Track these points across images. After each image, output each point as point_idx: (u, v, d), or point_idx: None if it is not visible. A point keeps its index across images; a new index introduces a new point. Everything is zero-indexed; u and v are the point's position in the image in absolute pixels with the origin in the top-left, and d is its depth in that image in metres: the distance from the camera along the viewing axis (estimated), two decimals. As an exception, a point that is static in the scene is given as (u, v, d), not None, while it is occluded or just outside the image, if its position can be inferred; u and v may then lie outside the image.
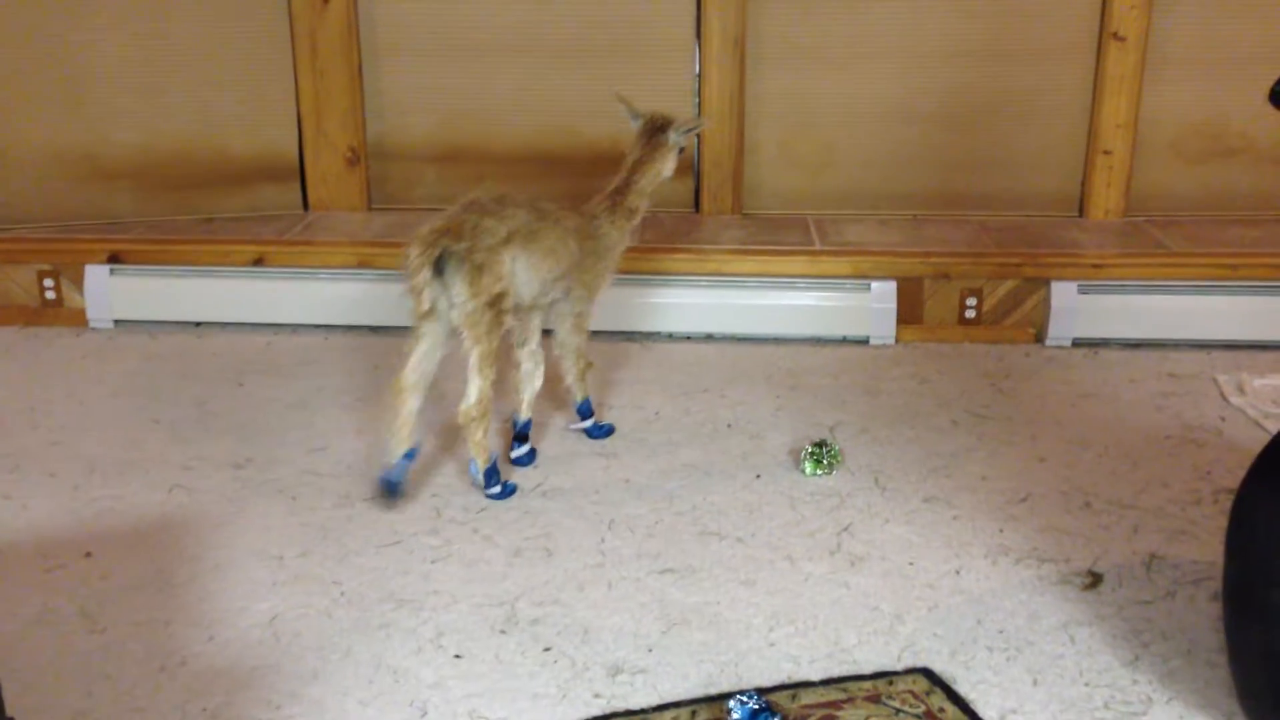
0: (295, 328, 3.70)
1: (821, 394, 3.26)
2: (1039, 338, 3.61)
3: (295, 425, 3.06)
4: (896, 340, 3.61)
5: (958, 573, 2.40)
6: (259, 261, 3.73)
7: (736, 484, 2.76)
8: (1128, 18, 3.76)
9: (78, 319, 3.72)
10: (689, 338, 3.67)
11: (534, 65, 3.99)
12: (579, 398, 2.98)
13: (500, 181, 4.09)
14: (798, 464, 2.81)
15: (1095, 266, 3.56)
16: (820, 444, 2.81)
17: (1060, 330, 3.57)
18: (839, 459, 2.81)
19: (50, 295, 3.75)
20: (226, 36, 3.90)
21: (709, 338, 3.67)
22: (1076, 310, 3.55)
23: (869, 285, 3.59)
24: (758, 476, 2.80)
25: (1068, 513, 2.62)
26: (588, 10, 3.94)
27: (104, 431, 3.02)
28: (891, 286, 3.58)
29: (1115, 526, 2.57)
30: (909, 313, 3.62)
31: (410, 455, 2.64)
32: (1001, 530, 2.55)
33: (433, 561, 2.44)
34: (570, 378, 2.95)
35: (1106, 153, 3.88)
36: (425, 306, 2.55)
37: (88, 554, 2.45)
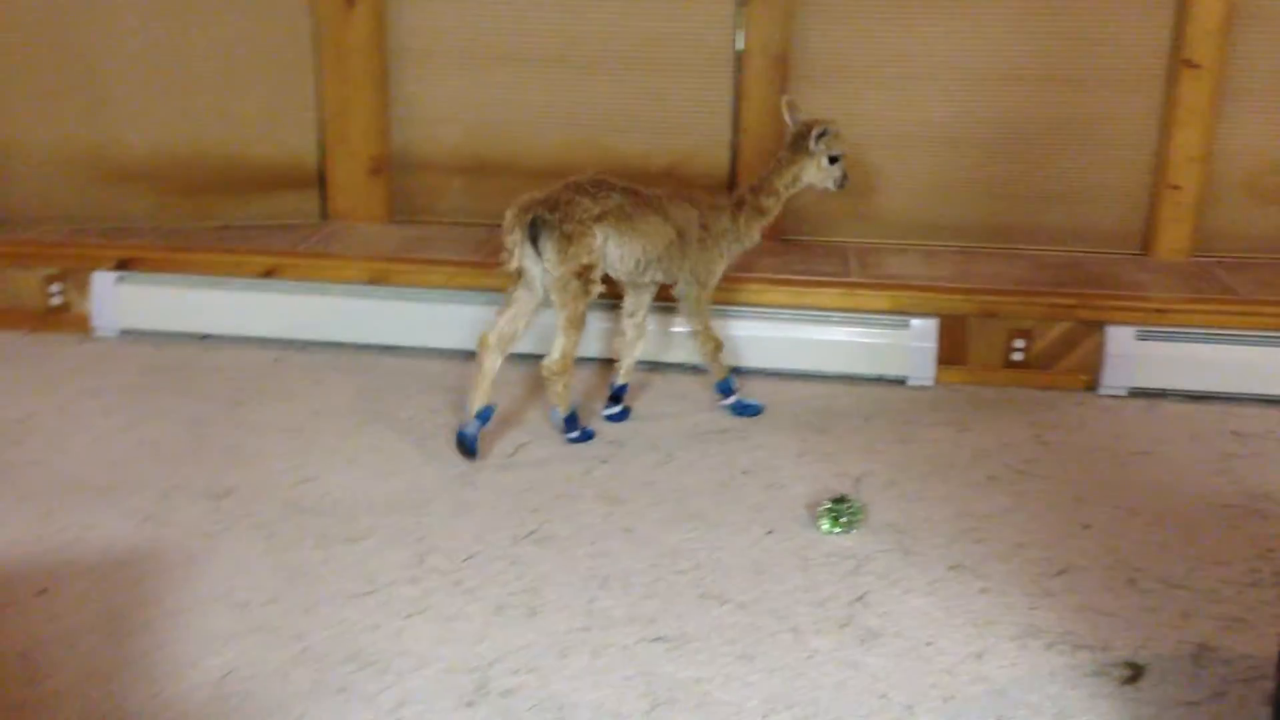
0: (305, 344, 3.54)
1: (850, 439, 3.03)
2: (1092, 385, 3.35)
3: (287, 452, 2.89)
4: (936, 382, 3.37)
5: (980, 656, 2.16)
6: (271, 273, 3.58)
7: (746, 539, 2.55)
8: (1204, 43, 3.49)
9: (82, 326, 3.60)
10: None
11: (565, 77, 3.81)
12: (716, 377, 3.15)
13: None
14: (815, 520, 2.59)
15: (1157, 311, 3.30)
16: (839, 500, 2.59)
17: (1115, 378, 3.31)
18: (860, 517, 2.59)
19: (56, 301, 3.63)
20: (248, 38, 3.76)
21: (735, 371, 3.45)
22: (1134, 357, 3.29)
23: (909, 322, 3.35)
24: (770, 532, 2.58)
25: (1109, 590, 2.38)
26: (622, 21, 3.75)
27: (88, 450, 2.88)
28: (933, 324, 3.34)
29: (1162, 609, 2.31)
30: (951, 353, 3.38)
31: (484, 415, 2.87)
32: (1034, 608, 2.31)
33: (407, 616, 2.25)
34: (701, 358, 3.16)
35: (1175, 187, 3.60)
36: (513, 265, 2.80)
37: (42, 591, 2.30)
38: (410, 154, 3.93)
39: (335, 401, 3.19)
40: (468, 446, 2.84)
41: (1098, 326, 3.30)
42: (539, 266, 2.79)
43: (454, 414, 3.06)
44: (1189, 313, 3.29)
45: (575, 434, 2.97)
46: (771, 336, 3.41)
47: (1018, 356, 3.37)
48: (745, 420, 3.14)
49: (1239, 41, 3.50)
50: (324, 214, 3.94)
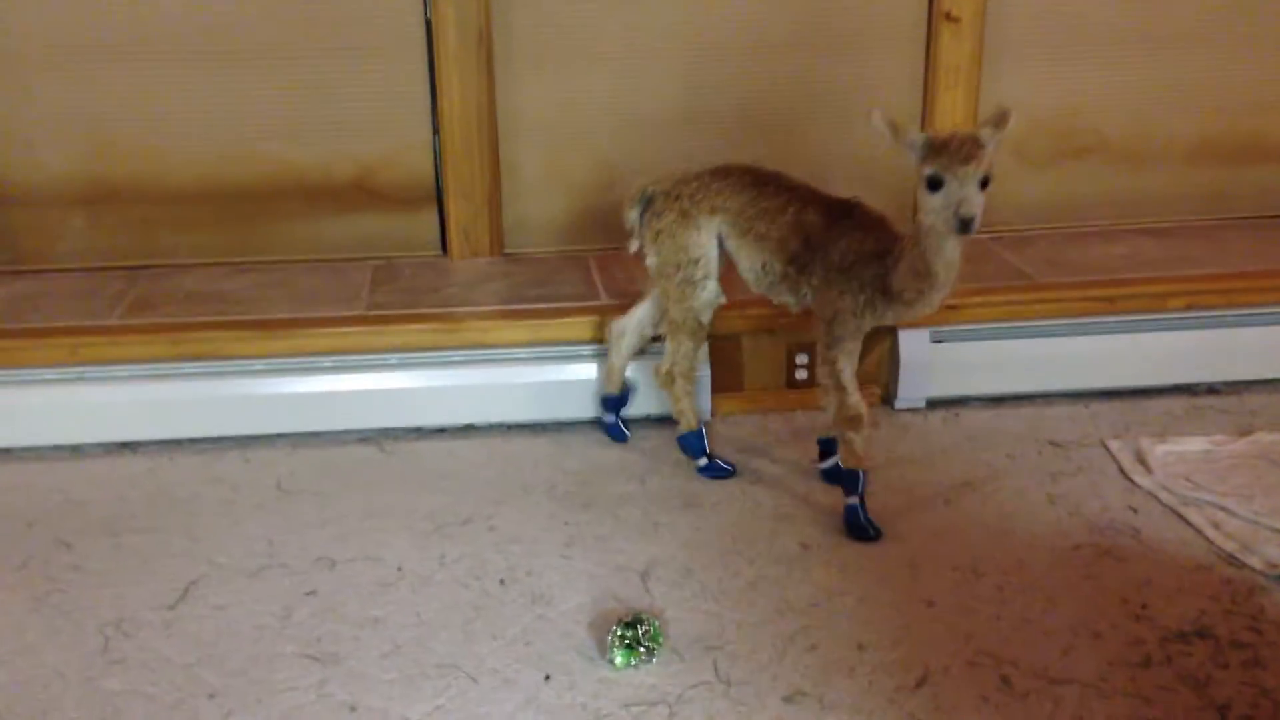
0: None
1: (625, 515, 2.42)
2: (887, 399, 2.88)
3: None
4: (713, 414, 2.81)
5: (856, 843, 1.61)
6: None
7: (519, 695, 1.89)
8: (963, -3, 3.06)
9: None
10: (443, 431, 2.77)
11: (208, 73, 2.98)
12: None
13: (176, 227, 3.08)
14: (604, 651, 1.97)
15: (949, 308, 2.83)
16: (633, 622, 1.97)
17: (912, 389, 2.85)
18: (660, 639, 1.98)
19: None
20: None
21: (469, 429, 2.78)
22: (930, 364, 2.83)
23: (673, 349, 2.77)
24: (548, 678, 1.93)
25: (984, 700, 1.87)
26: (285, 5, 2.94)
27: None
28: (702, 347, 2.76)
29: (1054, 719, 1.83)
30: (725, 379, 2.83)
31: (614, 402, 2.67)
32: (902, 745, 1.78)
33: None
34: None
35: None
36: (633, 246, 2.49)
37: None
38: (6, 186, 3.00)
39: (-79, 547, 2.30)
40: (615, 435, 2.69)
41: (888, 332, 2.83)
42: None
43: (67, 552, 2.25)
44: (984, 306, 2.85)
45: (703, 462, 2.55)
46: (510, 383, 2.75)
47: (801, 375, 2.86)
48: (490, 496, 2.48)
49: (996, -10, 3.09)
50: (-107, 274, 2.97)
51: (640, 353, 2.68)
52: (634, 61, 3.07)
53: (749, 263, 2.37)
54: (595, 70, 3.06)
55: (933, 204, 1.98)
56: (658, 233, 2.42)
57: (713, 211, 2.37)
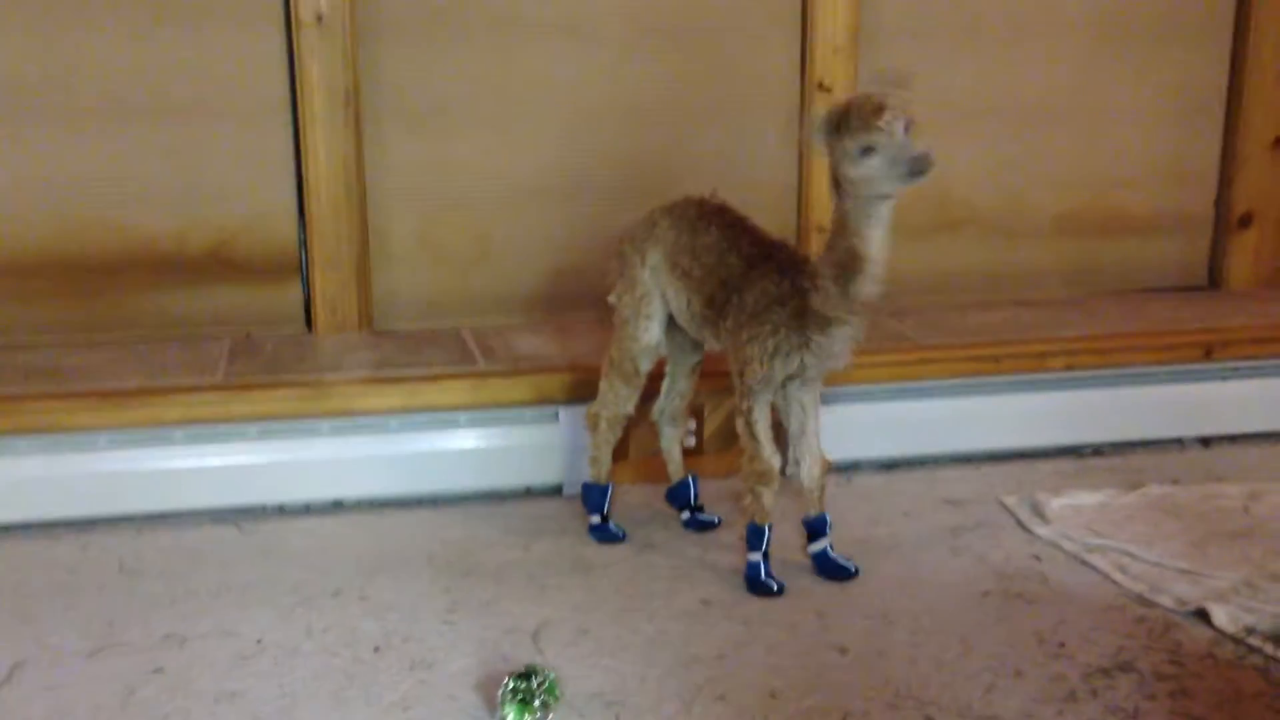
0: None
1: (511, 577, 2.24)
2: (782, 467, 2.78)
3: None
4: (598, 485, 2.66)
5: None
6: None
7: (399, 762, 1.68)
8: (832, 64, 3.09)
9: None
10: (308, 509, 2.56)
11: (49, 135, 2.79)
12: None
13: (12, 301, 2.85)
14: (495, 710, 1.77)
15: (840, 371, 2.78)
16: (526, 674, 1.78)
17: (803, 454, 2.75)
18: (556, 693, 1.79)
19: None
20: None
21: (337, 506, 2.57)
22: (823, 427, 2.74)
23: (557, 413, 2.63)
24: (432, 742, 1.73)
25: (910, 741, 1.73)
26: (130, 57, 2.79)
27: None
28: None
29: (984, 756, 1.70)
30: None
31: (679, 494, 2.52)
32: (828, 791, 1.62)
33: None
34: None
35: (821, 229, 3.15)
36: (610, 300, 2.37)
37: None
38: None
39: None
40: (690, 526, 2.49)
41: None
42: None
43: None
44: (871, 368, 2.79)
45: (595, 520, 2.42)
46: (381, 454, 2.57)
47: (690, 442, 2.73)
48: (361, 568, 2.27)
49: (866, 62, 3.13)
50: None
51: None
52: (510, 127, 2.99)
53: (675, 301, 2.28)
54: (470, 135, 2.98)
55: (875, 170, 1.87)
56: (617, 273, 2.35)
57: (653, 247, 2.28)
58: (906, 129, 1.89)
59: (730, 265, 2.16)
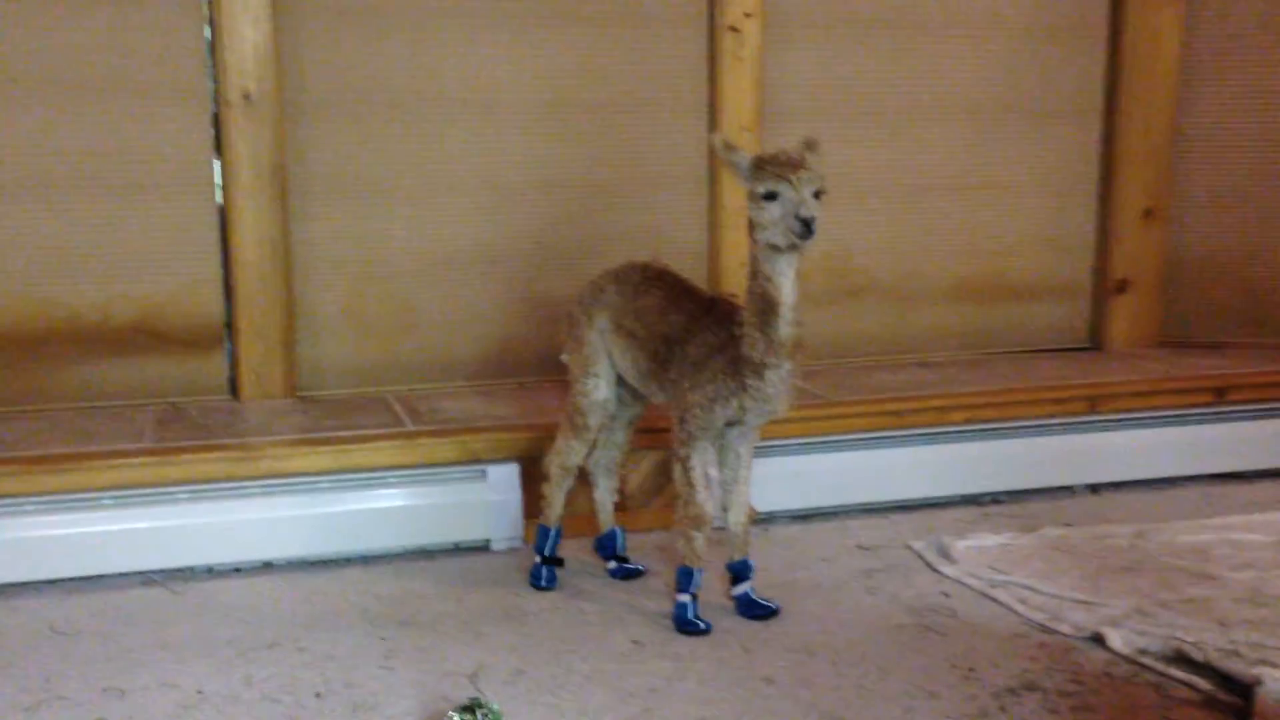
0: None
1: (445, 628, 2.30)
2: (692, 519, 2.89)
3: None
4: (526, 541, 2.74)
5: None
6: None
7: (348, 795, 1.72)
8: (739, 142, 3.26)
9: None
10: (238, 570, 2.59)
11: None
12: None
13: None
14: (440, 744, 1.83)
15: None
16: (470, 707, 1.84)
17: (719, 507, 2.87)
18: (500, 725, 1.86)
19: None
20: None
21: (267, 567, 2.61)
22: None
23: (484, 471, 2.71)
24: (380, 775, 1.77)
25: (837, 757, 1.83)
26: (53, 131, 2.86)
27: None
28: (513, 471, 2.72)
29: (906, 768, 1.81)
30: (537, 504, 2.77)
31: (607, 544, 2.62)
32: (764, 803, 1.71)
33: None
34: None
35: (732, 295, 3.30)
36: (563, 358, 2.50)
37: None
38: None
39: None
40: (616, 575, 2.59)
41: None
42: None
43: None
44: (782, 423, 2.91)
45: (537, 560, 2.51)
46: (309, 515, 2.61)
47: (614, 497, 2.83)
48: (296, 623, 2.31)
49: (766, 134, 3.33)
50: None
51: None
52: (431, 199, 3.12)
53: (622, 359, 2.38)
54: (393, 208, 3.09)
55: (770, 216, 2.02)
56: (567, 333, 2.46)
57: (599, 311, 2.40)
58: (816, 194, 2.04)
59: (672, 322, 2.28)
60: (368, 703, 1.99)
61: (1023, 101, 3.56)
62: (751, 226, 2.09)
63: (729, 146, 2.10)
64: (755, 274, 2.11)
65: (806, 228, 2.00)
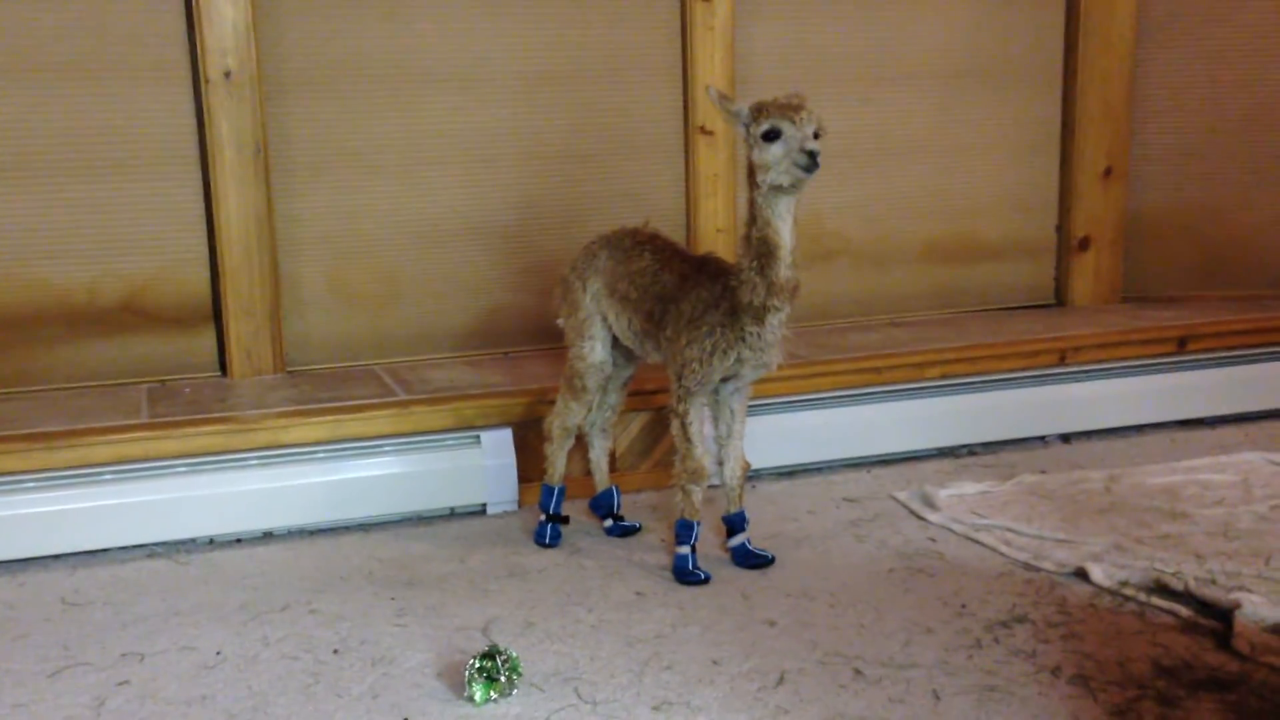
0: None
1: (453, 586, 2.36)
2: (686, 478, 2.96)
3: None
4: (521, 504, 2.80)
5: (756, 813, 1.59)
6: None
7: (376, 741, 1.78)
8: (712, 109, 3.32)
9: None
10: (239, 540, 2.63)
11: (-35, 190, 2.84)
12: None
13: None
14: (463, 689, 1.89)
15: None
16: (490, 654, 1.91)
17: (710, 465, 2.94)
18: (519, 669, 1.92)
19: None
20: None
21: (268, 536, 2.65)
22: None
23: (479, 437, 2.77)
24: (406, 721, 1.84)
25: (842, 687, 1.91)
26: (39, 113, 2.87)
27: None
28: (507, 436, 2.78)
29: (909, 697, 1.89)
30: (531, 467, 2.83)
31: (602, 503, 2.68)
32: (777, 732, 1.79)
33: None
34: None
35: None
36: (559, 323, 2.58)
37: None
38: None
39: None
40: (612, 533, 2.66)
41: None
42: None
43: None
44: (768, 382, 2.99)
45: (542, 518, 2.58)
46: (308, 484, 2.66)
47: (605, 458, 2.90)
48: (305, 587, 2.36)
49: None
50: None
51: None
52: (414, 172, 3.16)
53: (617, 322, 2.45)
54: (376, 181, 3.13)
55: (774, 155, 2.09)
56: (561, 298, 2.53)
57: (593, 276, 2.46)
58: (816, 134, 2.12)
59: (664, 282, 2.35)
60: (386, 656, 2.05)
61: (986, 66, 3.65)
62: (751, 172, 2.16)
63: (724, 97, 2.18)
64: (754, 219, 2.18)
65: (812, 159, 2.07)
